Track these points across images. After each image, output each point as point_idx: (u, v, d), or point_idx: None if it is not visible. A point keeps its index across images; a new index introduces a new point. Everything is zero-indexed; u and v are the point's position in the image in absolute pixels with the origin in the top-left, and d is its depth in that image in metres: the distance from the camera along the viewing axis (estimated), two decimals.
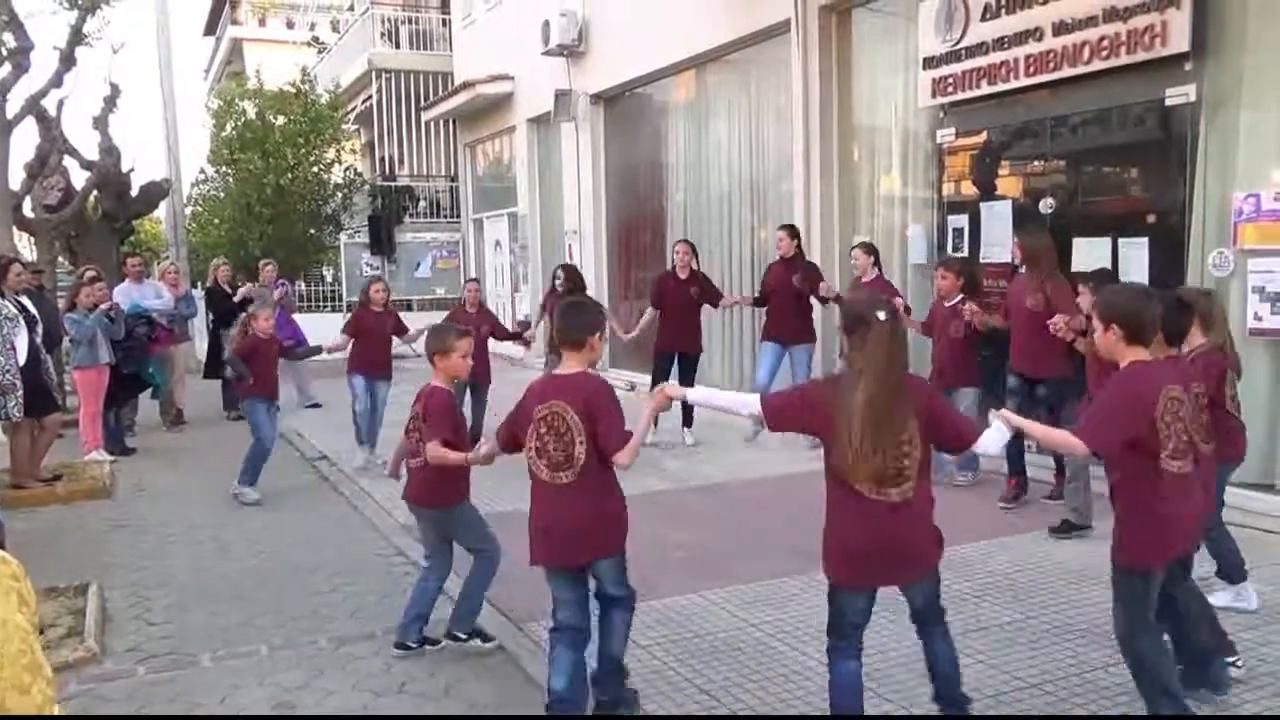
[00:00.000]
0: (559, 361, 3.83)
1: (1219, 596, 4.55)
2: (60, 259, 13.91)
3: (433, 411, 4.36)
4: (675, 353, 8.91)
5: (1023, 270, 6.68)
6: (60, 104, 12.87)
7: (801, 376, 8.39)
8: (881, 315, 3.19)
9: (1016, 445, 6.28)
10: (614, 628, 3.75)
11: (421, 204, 20.29)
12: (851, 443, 3.10)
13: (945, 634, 3.46)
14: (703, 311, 9.14)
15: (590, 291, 10.73)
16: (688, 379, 8.70)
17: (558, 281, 9.21)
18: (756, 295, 9.08)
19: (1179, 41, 6.25)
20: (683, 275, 8.97)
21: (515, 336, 9.44)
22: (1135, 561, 3.39)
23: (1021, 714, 3.51)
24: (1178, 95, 6.43)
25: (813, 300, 8.62)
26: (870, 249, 8.14)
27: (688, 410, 8.69)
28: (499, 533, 4.58)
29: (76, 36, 12.46)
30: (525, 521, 3.73)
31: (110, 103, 13.86)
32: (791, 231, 8.79)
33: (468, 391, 8.42)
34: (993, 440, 3.33)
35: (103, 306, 8.97)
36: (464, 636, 4.53)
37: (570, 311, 3.84)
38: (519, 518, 3.80)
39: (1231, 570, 4.66)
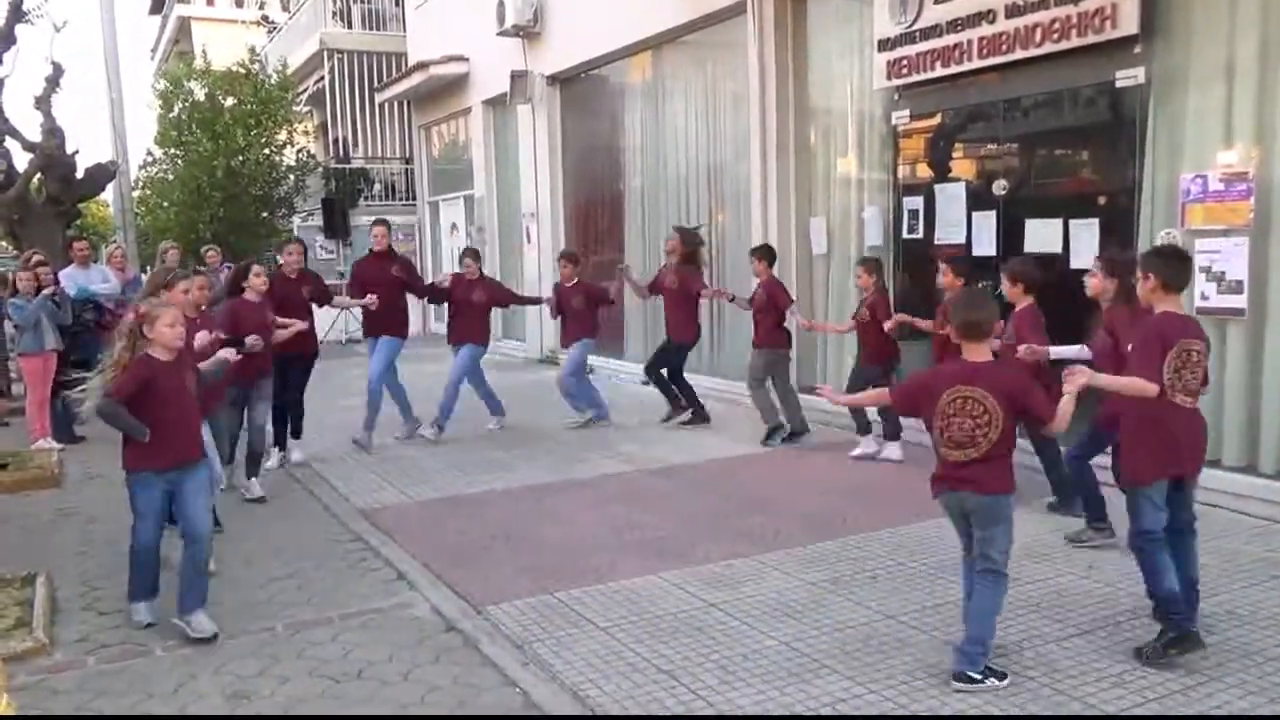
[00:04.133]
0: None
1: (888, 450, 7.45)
2: (3, 243, 13.60)
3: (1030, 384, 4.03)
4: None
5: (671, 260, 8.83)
6: (0, 83, 12.55)
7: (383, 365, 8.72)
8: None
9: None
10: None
11: (376, 186, 20.06)
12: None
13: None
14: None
15: (549, 273, 10.69)
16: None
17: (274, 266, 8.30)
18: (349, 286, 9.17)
19: (1128, 24, 6.33)
20: (291, 275, 8.12)
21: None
22: None
23: (1024, 715, 3.56)
24: (1127, 78, 6.52)
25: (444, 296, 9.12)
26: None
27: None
28: (447, 514, 4.53)
29: (16, 14, 12.17)
30: (472, 504, 3.70)
31: (53, 82, 13.52)
32: (387, 225, 9.06)
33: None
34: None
35: (46, 291, 8.78)
36: (979, 677, 3.85)
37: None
38: (467, 500, 3.79)
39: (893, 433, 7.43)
